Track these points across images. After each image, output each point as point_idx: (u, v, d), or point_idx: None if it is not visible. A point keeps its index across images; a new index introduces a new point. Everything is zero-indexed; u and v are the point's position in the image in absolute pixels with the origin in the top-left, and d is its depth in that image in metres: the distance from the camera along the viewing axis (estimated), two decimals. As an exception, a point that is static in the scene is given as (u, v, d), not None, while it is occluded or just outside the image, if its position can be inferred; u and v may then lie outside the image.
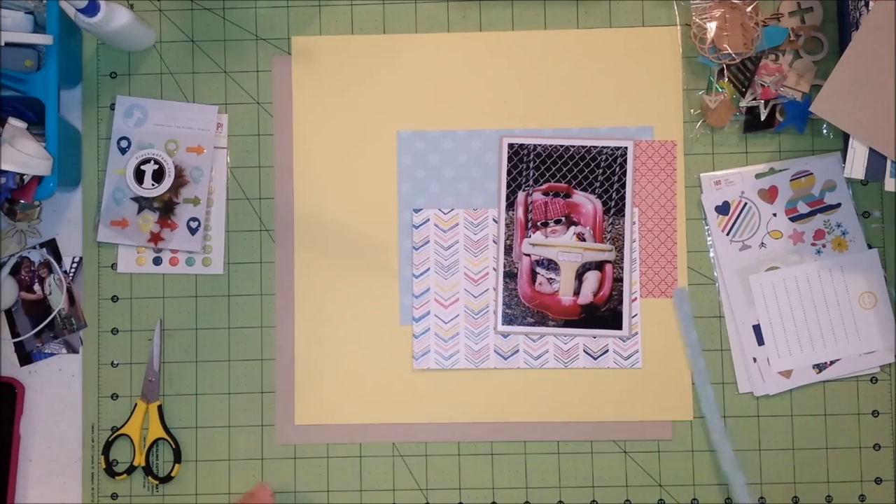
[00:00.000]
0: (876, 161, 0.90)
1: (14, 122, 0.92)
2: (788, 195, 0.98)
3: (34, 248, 1.00)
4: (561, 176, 0.98)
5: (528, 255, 0.98)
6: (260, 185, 1.00)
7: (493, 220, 0.98)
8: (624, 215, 0.98)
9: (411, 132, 1.00)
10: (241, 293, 0.99)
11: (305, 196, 0.99)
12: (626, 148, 0.98)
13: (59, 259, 1.00)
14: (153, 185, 0.98)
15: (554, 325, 0.97)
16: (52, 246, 1.00)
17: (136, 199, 0.99)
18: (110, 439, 0.98)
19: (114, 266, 0.99)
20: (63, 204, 1.00)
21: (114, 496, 0.98)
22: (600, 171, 0.98)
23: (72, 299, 0.99)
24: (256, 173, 1.00)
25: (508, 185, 0.98)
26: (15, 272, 0.99)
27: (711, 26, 0.97)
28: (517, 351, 0.97)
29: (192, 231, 0.98)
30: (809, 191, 0.98)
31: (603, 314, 0.97)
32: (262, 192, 1.00)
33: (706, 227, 0.98)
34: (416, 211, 0.99)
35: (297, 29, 1.01)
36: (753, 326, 0.97)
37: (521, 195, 0.98)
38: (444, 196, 0.99)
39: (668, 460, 0.97)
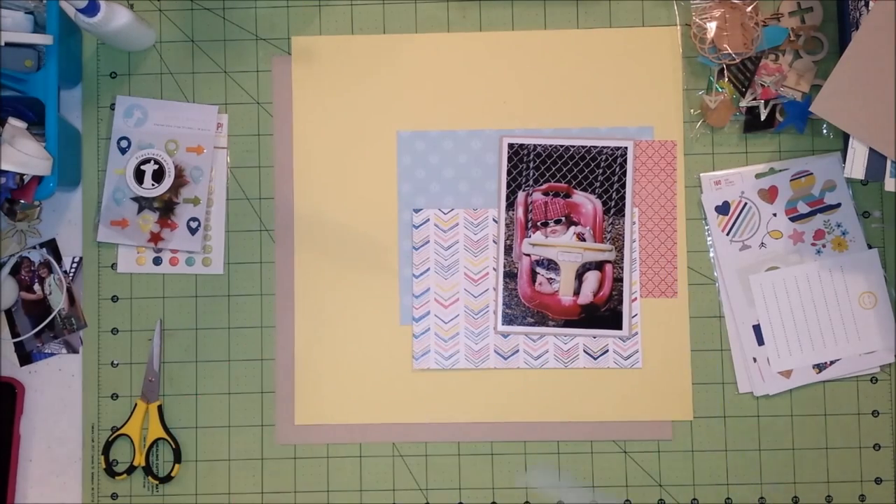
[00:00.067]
0: (876, 161, 0.90)
1: (14, 122, 0.92)
2: (788, 195, 0.98)
3: (34, 248, 1.00)
4: (561, 176, 0.98)
5: (528, 255, 0.98)
6: (260, 185, 1.00)
7: (493, 220, 0.98)
8: (624, 215, 0.98)
9: (411, 132, 1.00)
10: (241, 293, 0.99)
11: (305, 196, 0.99)
12: (626, 148, 0.98)
13: (59, 259, 1.00)
14: (153, 185, 0.98)
15: (554, 325, 0.97)
16: (52, 246, 1.00)
17: (136, 199, 0.99)
18: (110, 439, 0.98)
19: (114, 266, 0.99)
20: (63, 204, 1.00)
21: (114, 496, 0.98)
22: (600, 171, 0.98)
23: (72, 299, 0.99)
24: (256, 173, 1.00)
25: (508, 185, 0.98)
26: (15, 272, 0.99)
27: (711, 26, 0.97)
28: (517, 351, 0.97)
29: (192, 231, 0.98)
30: (809, 191, 0.98)
31: (603, 314, 0.97)
32: (262, 192, 1.00)
33: (706, 227, 0.98)
34: (416, 211, 0.99)
35: (297, 29, 1.01)
36: (753, 326, 0.97)
37: (521, 195, 0.98)
38: (444, 196, 0.99)
39: (668, 460, 0.97)
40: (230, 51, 1.01)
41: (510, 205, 0.98)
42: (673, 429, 0.97)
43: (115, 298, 0.99)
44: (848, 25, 0.94)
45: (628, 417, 0.97)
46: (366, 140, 1.00)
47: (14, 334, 0.99)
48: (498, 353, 0.97)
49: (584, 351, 0.97)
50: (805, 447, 0.97)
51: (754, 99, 0.97)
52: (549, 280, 0.97)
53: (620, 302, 0.97)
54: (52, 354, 0.99)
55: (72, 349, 0.99)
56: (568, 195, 0.98)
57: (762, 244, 0.98)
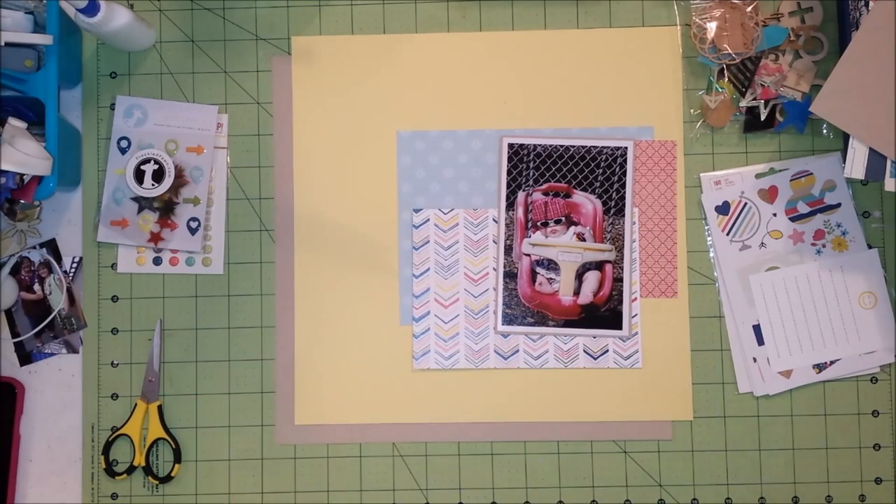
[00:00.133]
0: (876, 161, 0.90)
1: (14, 122, 0.92)
2: (788, 195, 0.98)
3: (34, 248, 1.00)
4: (561, 176, 0.98)
5: (528, 255, 0.98)
6: (260, 185, 1.00)
7: (493, 220, 0.98)
8: (624, 215, 0.98)
9: (411, 132, 1.00)
10: (241, 293, 0.99)
11: (305, 196, 0.99)
12: (626, 148, 0.98)
13: (59, 259, 1.00)
14: (153, 185, 0.98)
15: (554, 325, 0.97)
16: (52, 246, 1.00)
17: (136, 199, 0.99)
18: (110, 439, 0.98)
19: (114, 266, 0.99)
20: (63, 204, 1.00)
21: (114, 496, 0.98)
22: (600, 171, 0.98)
23: (72, 299, 0.99)
24: (256, 173, 1.00)
25: (508, 185, 0.98)
26: (15, 272, 0.99)
27: (711, 26, 0.97)
28: (517, 351, 0.97)
29: (192, 231, 0.98)
30: (809, 191, 0.98)
31: (603, 314, 0.97)
32: (262, 192, 1.00)
33: (706, 227, 0.98)
34: (416, 211, 0.99)
35: (297, 29, 1.01)
36: (753, 326, 0.97)
37: (521, 195, 0.98)
38: (444, 196, 0.99)
39: (668, 460, 0.97)
40: (230, 51, 1.01)
41: (510, 205, 0.98)
42: (673, 429, 0.97)
43: (115, 298, 0.99)
44: (848, 25, 0.94)
45: (628, 417, 0.97)
46: (366, 140, 1.00)
47: (14, 334, 0.99)
48: (498, 353, 0.97)
49: (584, 351, 0.97)
50: (805, 447, 0.97)
51: (754, 99, 0.97)
52: (549, 280, 0.97)
53: (620, 302, 0.97)
54: (52, 354, 0.99)
55: (72, 349, 0.99)
56: (568, 195, 0.98)
57: (762, 244, 0.98)
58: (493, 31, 1.00)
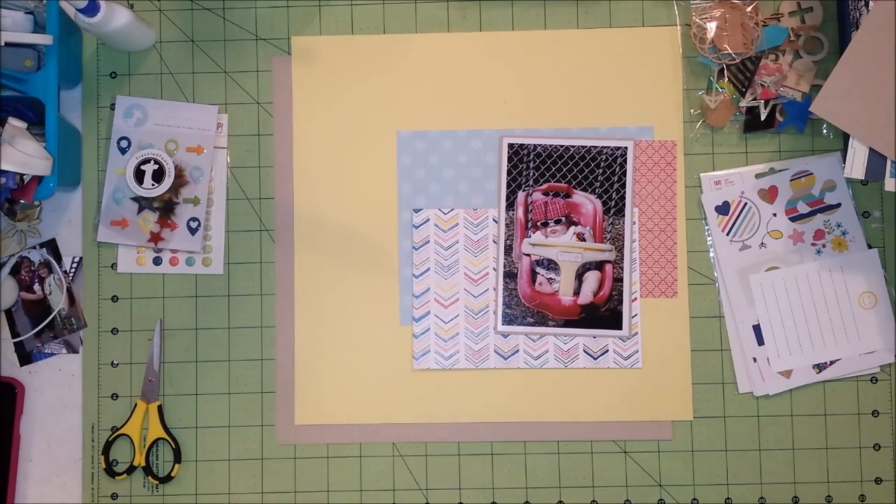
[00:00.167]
0: (876, 161, 0.90)
1: (14, 122, 0.92)
2: (788, 195, 0.98)
3: (34, 248, 1.00)
4: (561, 176, 0.98)
5: (528, 255, 0.98)
6: (260, 185, 1.00)
7: (493, 220, 0.98)
8: (624, 215, 0.98)
9: (411, 132, 1.00)
10: (241, 293, 0.99)
11: (305, 196, 0.99)
12: (626, 148, 0.98)
13: (59, 259, 1.00)
14: (153, 185, 0.98)
15: (554, 325, 0.97)
16: (52, 246, 1.00)
17: (136, 199, 0.99)
18: (110, 439, 0.98)
19: (114, 266, 0.99)
20: (63, 204, 1.00)
21: (114, 496, 0.98)
22: (600, 171, 0.98)
23: (72, 299, 0.99)
24: (256, 173, 1.00)
25: (508, 185, 0.98)
26: (15, 272, 0.99)
27: (711, 26, 0.97)
28: (517, 351, 0.97)
29: (192, 231, 0.98)
30: (809, 191, 0.98)
31: (603, 314, 0.97)
32: (262, 192, 1.00)
33: (706, 227, 0.98)
34: (416, 211, 0.99)
35: (297, 29, 1.01)
36: (753, 326, 0.97)
37: (521, 195, 0.98)
38: (444, 196, 0.99)
39: (668, 460, 0.97)
40: (230, 51, 1.01)
41: (510, 205, 0.98)
42: (673, 429, 0.97)
43: (115, 298, 0.99)
44: (848, 25, 0.94)
45: (628, 417, 0.97)
46: (366, 140, 1.00)
47: (14, 334, 0.99)
48: (498, 353, 0.97)
49: (584, 351, 0.97)
50: (805, 447, 0.97)
51: (754, 99, 0.97)
52: (549, 280, 0.97)
53: (620, 302, 0.97)
54: (52, 354, 0.99)
55: (72, 349, 0.99)
56: (568, 195, 0.98)
57: (762, 244, 0.98)
58: (493, 31, 1.00)
